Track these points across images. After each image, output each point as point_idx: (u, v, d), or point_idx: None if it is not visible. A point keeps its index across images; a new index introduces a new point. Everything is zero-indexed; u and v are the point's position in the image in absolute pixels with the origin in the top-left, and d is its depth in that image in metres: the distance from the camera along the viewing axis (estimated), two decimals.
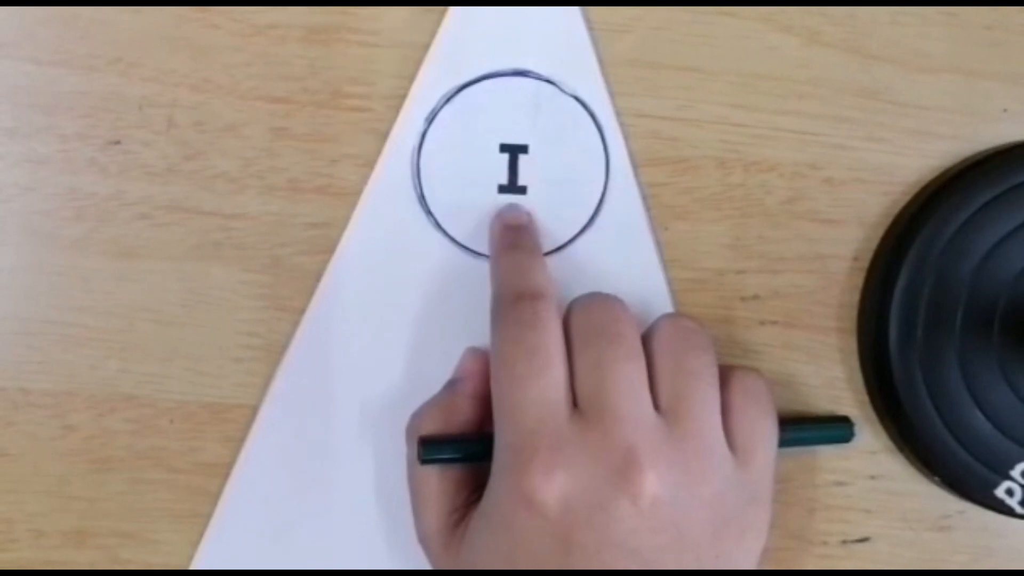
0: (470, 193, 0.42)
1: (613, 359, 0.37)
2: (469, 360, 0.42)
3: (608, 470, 0.36)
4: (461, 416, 0.41)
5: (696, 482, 0.37)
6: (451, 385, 0.42)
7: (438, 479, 0.40)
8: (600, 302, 0.39)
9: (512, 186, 0.42)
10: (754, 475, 0.39)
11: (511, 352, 0.38)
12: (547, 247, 0.42)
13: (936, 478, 0.43)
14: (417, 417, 0.41)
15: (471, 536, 0.38)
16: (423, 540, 0.40)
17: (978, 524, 0.44)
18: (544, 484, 0.36)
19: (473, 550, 0.38)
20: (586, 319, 0.38)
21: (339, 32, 0.42)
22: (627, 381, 0.37)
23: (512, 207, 0.42)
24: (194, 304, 0.42)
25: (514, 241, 0.41)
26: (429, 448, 0.40)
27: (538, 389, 0.37)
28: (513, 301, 0.38)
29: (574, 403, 0.37)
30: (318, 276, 0.42)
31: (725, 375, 0.39)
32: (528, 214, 0.42)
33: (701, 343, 0.39)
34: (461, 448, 0.40)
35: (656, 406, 0.38)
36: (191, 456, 0.42)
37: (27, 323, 0.42)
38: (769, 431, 0.39)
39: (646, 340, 0.39)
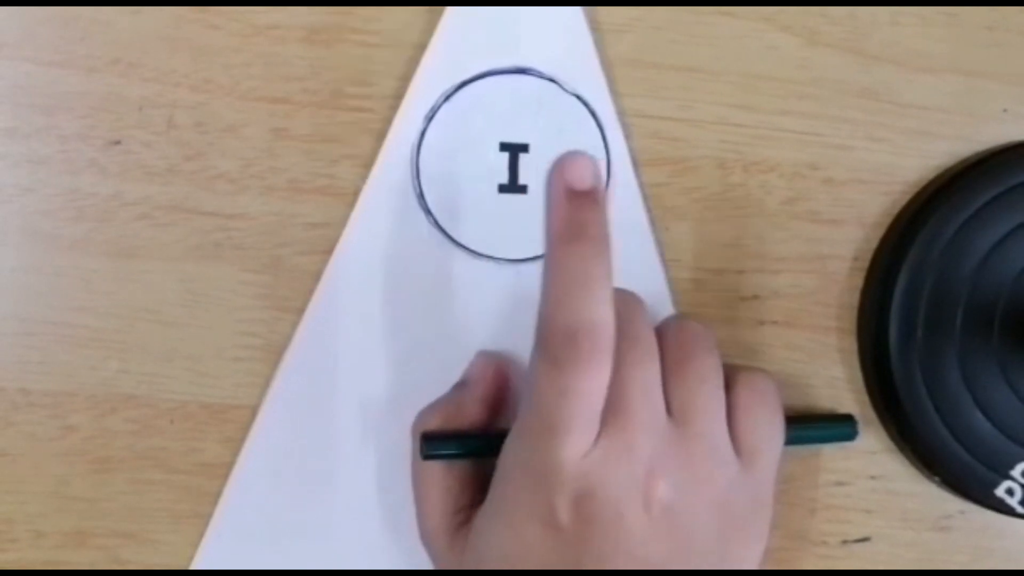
0: (470, 192, 0.42)
1: (632, 362, 0.37)
2: (480, 364, 0.42)
3: (628, 481, 0.36)
4: (467, 418, 0.40)
5: (702, 485, 0.37)
6: (460, 387, 0.42)
7: (442, 477, 0.40)
8: (617, 301, 0.38)
9: (512, 185, 0.42)
10: (758, 477, 0.39)
11: (553, 402, 0.35)
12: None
13: (936, 478, 0.43)
14: (423, 415, 0.41)
15: (475, 537, 0.38)
16: (425, 538, 0.40)
17: (978, 524, 0.44)
18: (565, 507, 0.36)
19: (477, 551, 0.38)
20: None
21: (339, 32, 0.42)
22: (645, 385, 0.37)
23: (577, 157, 0.37)
24: (194, 304, 0.42)
25: (580, 224, 0.36)
26: (431, 444, 0.40)
27: (573, 442, 0.35)
28: (566, 339, 0.35)
29: None
30: (318, 276, 0.42)
31: (732, 375, 0.39)
32: (595, 166, 0.37)
33: (707, 345, 0.39)
34: (464, 444, 0.40)
35: (665, 408, 0.37)
36: (191, 456, 0.42)
37: (27, 323, 0.42)
38: (775, 432, 0.39)
39: None
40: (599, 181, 0.37)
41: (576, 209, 0.37)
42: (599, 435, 0.36)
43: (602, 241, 0.36)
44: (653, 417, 0.37)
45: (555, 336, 0.35)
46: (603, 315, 0.35)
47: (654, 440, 0.36)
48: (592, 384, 0.35)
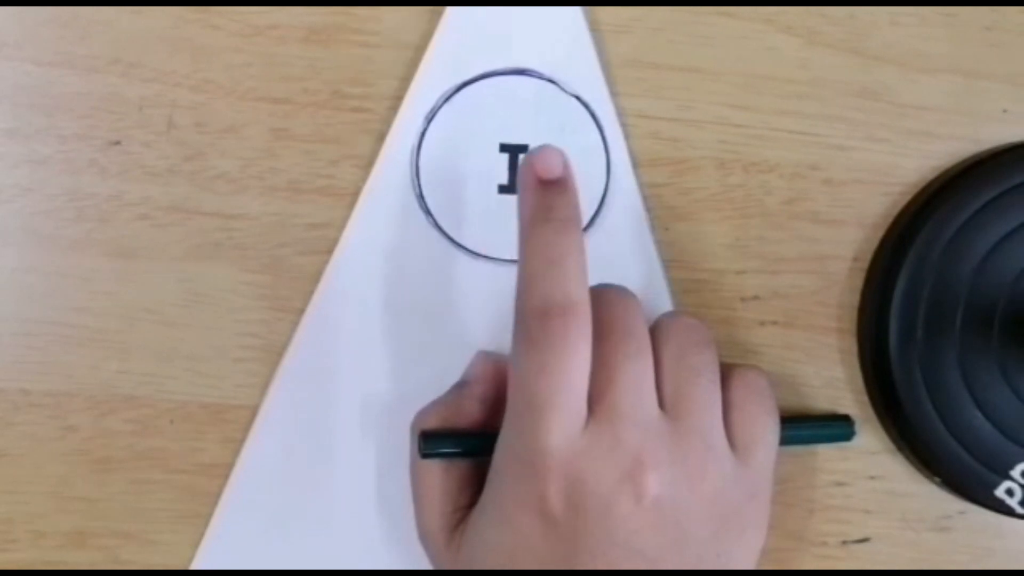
0: (470, 193, 0.42)
1: (624, 357, 0.37)
2: (480, 364, 0.42)
3: (616, 472, 0.36)
4: (467, 418, 0.40)
5: (696, 479, 0.37)
6: (460, 387, 0.42)
7: (441, 477, 0.40)
8: (612, 296, 0.38)
9: (512, 186, 0.42)
10: (754, 472, 0.39)
11: (533, 381, 0.36)
12: None
13: (936, 478, 0.43)
14: (422, 414, 0.41)
15: (471, 532, 0.38)
16: (423, 537, 0.40)
17: (978, 524, 0.44)
18: (556, 495, 0.36)
19: (473, 546, 0.38)
20: (596, 313, 0.38)
21: (339, 32, 0.42)
22: (635, 379, 0.37)
23: (546, 150, 0.38)
24: (194, 304, 0.42)
25: (548, 207, 0.37)
26: (430, 442, 0.40)
27: (557, 421, 0.36)
28: (541, 317, 0.36)
29: None
30: (318, 276, 0.42)
31: (727, 372, 0.39)
32: (563, 157, 0.38)
33: (703, 340, 0.39)
34: (462, 443, 0.40)
35: (658, 402, 0.38)
36: (191, 457, 0.42)
37: (27, 323, 0.42)
38: (770, 428, 0.39)
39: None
40: (568, 172, 0.37)
41: (544, 195, 0.37)
42: (588, 425, 0.36)
43: (570, 221, 0.37)
44: (643, 410, 0.37)
45: (530, 315, 0.36)
46: (574, 291, 0.36)
47: (643, 433, 0.36)
48: (569, 361, 0.35)
